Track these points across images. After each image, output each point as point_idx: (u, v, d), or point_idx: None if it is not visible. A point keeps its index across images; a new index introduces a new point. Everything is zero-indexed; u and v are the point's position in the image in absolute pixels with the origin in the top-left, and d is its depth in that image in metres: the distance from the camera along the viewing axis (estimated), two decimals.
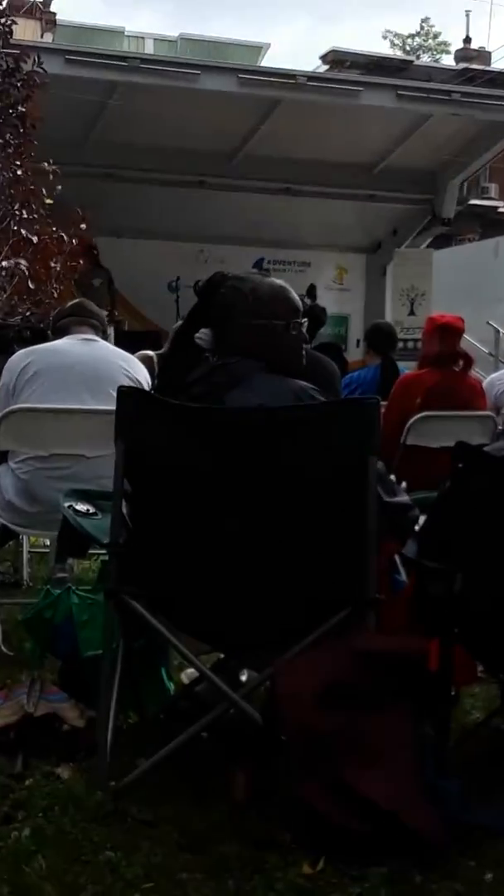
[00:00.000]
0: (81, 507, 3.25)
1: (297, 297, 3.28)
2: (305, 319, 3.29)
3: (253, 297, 3.19)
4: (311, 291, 19.01)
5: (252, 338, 3.15)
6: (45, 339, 6.17)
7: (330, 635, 2.92)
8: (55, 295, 10.23)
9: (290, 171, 15.55)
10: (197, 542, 2.90)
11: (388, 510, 2.99)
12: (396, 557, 3.21)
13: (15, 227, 10.06)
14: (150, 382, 4.49)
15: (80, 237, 10.71)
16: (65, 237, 10.14)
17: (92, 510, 3.25)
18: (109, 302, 15.42)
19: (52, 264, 10.18)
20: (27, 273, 9.91)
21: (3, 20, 10.14)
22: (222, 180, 15.62)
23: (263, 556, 2.89)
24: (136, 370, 4.39)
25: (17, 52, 10.22)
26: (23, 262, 9.73)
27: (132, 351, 5.88)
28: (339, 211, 16.91)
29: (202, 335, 3.19)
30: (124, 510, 3.01)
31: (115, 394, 4.11)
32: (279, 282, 3.27)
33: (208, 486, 2.89)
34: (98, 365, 4.30)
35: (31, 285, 10.12)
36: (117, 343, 11.22)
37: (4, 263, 10.00)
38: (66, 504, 3.25)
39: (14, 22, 10.27)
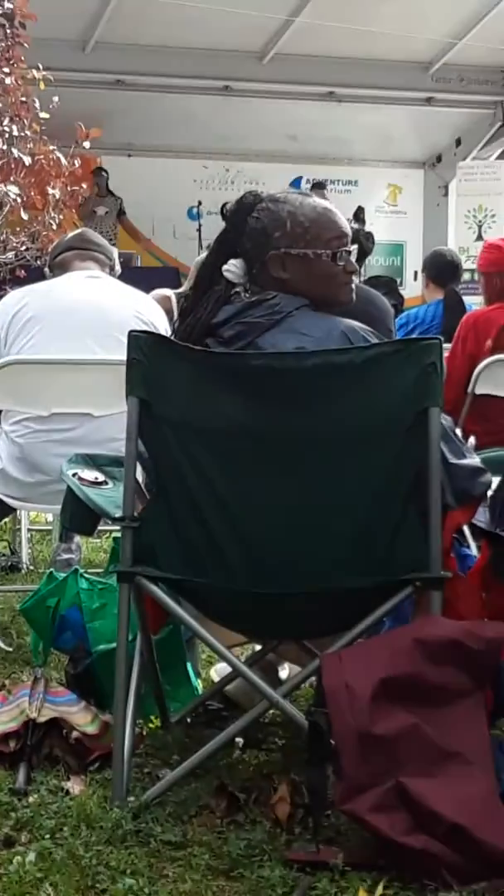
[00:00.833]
0: (88, 475, 3.26)
1: (343, 221, 3.26)
2: (354, 246, 3.26)
3: (291, 222, 3.16)
4: (359, 215, 19.01)
5: (291, 269, 3.14)
6: (43, 279, 6.18)
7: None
8: (53, 226, 10.22)
9: (332, 72, 15.50)
10: (227, 513, 2.89)
11: (454, 474, 2.97)
12: (465, 528, 3.20)
13: (4, 147, 10.05)
14: (167, 328, 4.48)
15: (83, 157, 10.68)
16: (62, 158, 10.12)
17: (101, 478, 3.26)
18: (116, 235, 15.48)
19: (50, 189, 10.17)
20: (20, 201, 9.90)
21: None
22: (251, 84, 15.61)
23: (306, 527, 2.89)
24: (150, 312, 4.39)
25: None
26: (13, 188, 9.73)
27: (146, 291, 5.87)
28: (391, 118, 16.86)
29: (232, 267, 3.17)
30: (139, 477, 3.02)
31: (124, 340, 4.17)
32: (323, 202, 3.25)
33: (240, 446, 2.88)
34: (105, 307, 4.30)
35: (24, 215, 10.12)
36: (127, 282, 11.17)
37: None
38: (71, 472, 3.26)
39: None
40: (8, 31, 9.96)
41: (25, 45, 10.07)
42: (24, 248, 10.29)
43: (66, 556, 4.68)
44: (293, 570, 2.90)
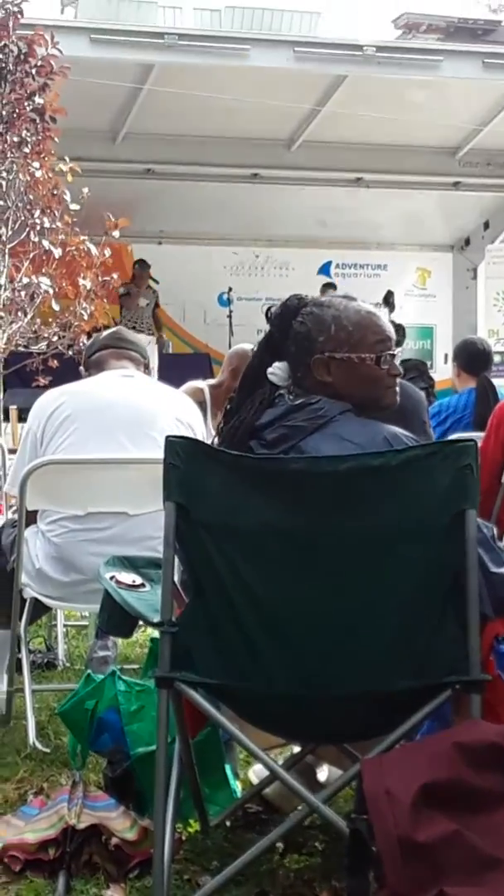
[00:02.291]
0: (126, 577, 3.27)
1: (387, 324, 3.30)
2: (399, 349, 3.30)
3: (336, 326, 3.20)
4: (389, 299, 19.29)
5: (336, 373, 3.17)
6: (75, 370, 6.20)
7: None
8: (85, 316, 10.33)
9: (360, 158, 15.69)
10: (265, 616, 2.89)
11: (494, 583, 2.97)
12: None
13: (35, 239, 10.20)
14: (203, 427, 4.51)
15: (113, 246, 10.80)
16: (93, 248, 10.25)
17: (138, 581, 3.27)
18: (156, 325, 15.65)
19: (81, 280, 10.29)
20: (52, 292, 10.02)
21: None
22: (280, 172, 15.81)
23: (344, 630, 2.88)
24: (185, 410, 4.42)
25: (31, 33, 10.36)
26: (45, 279, 9.85)
27: (177, 377, 5.91)
28: (420, 202, 17.01)
29: (276, 370, 3.20)
30: (176, 580, 3.03)
31: (160, 439, 4.19)
32: (366, 306, 3.29)
33: (277, 550, 2.89)
34: (140, 406, 4.33)
35: (55, 306, 10.24)
36: (160, 368, 11.36)
37: (25, 280, 10.13)
38: (108, 575, 3.27)
39: None
40: (39, 125, 10.14)
41: (56, 139, 10.25)
42: (55, 338, 10.40)
43: (102, 653, 4.67)
44: (331, 673, 2.89)
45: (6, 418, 11.69)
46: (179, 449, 2.93)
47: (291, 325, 3.22)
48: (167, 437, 2.93)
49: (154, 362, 15.53)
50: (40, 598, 4.26)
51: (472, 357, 6.95)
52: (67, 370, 10.13)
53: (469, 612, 2.85)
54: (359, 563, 2.88)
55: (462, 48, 15.43)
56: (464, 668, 2.85)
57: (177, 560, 2.99)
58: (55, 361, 10.53)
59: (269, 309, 3.31)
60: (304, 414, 3.09)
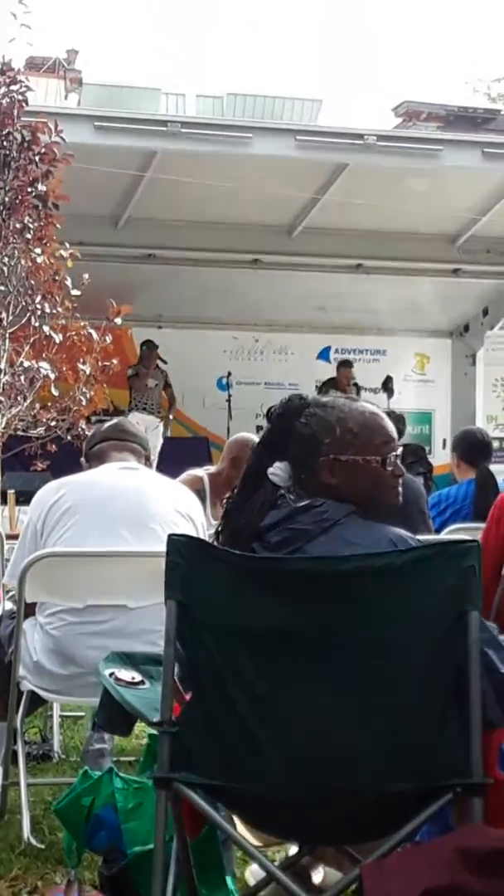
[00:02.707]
0: (125, 674, 3.25)
1: (391, 425, 3.30)
2: (400, 449, 3.30)
3: (341, 428, 3.20)
4: (387, 384, 19.30)
5: (340, 475, 3.17)
6: (73, 454, 6.18)
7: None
8: (84, 401, 10.36)
9: (360, 245, 15.82)
10: (266, 716, 2.88)
11: (498, 685, 2.96)
12: None
13: (36, 324, 10.26)
14: (203, 519, 4.51)
15: (114, 330, 10.85)
16: (94, 334, 10.30)
17: (138, 678, 3.25)
18: (167, 405, 15.73)
19: (80, 365, 10.33)
20: (51, 377, 10.06)
21: (14, 86, 10.40)
22: (280, 258, 15.94)
23: (345, 731, 2.87)
24: (185, 502, 4.43)
25: (34, 120, 10.48)
26: (45, 364, 9.89)
27: (176, 461, 5.91)
28: (419, 289, 17.12)
29: (278, 471, 3.19)
30: (176, 676, 3.01)
31: (160, 531, 4.21)
32: (370, 407, 3.29)
33: (279, 649, 2.88)
34: (141, 498, 4.34)
35: (55, 391, 10.28)
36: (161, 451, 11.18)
37: (26, 364, 10.17)
38: (108, 671, 3.25)
39: (28, 88, 10.52)
40: (41, 212, 10.24)
41: (58, 225, 10.34)
42: (54, 422, 10.42)
43: (98, 745, 4.64)
44: (332, 774, 2.87)
45: (3, 501, 11.69)
46: (182, 547, 2.93)
47: (294, 426, 3.22)
48: (170, 535, 2.93)
49: (159, 443, 15.59)
50: (38, 691, 4.24)
51: (471, 447, 6.95)
52: (66, 455, 10.17)
53: (471, 714, 2.83)
54: (360, 664, 2.86)
55: (462, 137, 15.63)
56: (466, 771, 2.83)
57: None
58: (53, 446, 10.55)
59: (269, 409, 3.31)
60: (309, 517, 3.09)
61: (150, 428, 15.48)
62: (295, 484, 3.19)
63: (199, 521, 4.43)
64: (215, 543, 3.13)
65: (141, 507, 4.31)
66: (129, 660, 3.38)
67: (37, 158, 10.26)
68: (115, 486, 4.36)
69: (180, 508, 4.37)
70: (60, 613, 4.18)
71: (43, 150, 10.31)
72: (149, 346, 15.76)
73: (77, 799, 3.59)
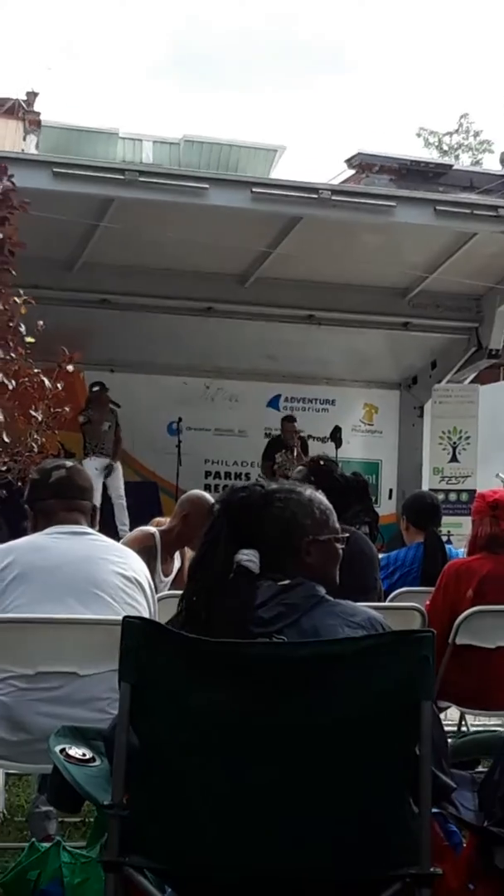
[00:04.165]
0: (76, 751, 3.21)
1: None
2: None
3: (317, 509, 3.33)
4: (336, 434, 19.29)
5: (315, 554, 3.28)
6: (21, 499, 6.04)
7: None
8: (35, 448, 10.29)
9: (312, 296, 15.87)
10: (216, 801, 2.86)
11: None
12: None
13: None
14: (149, 577, 4.49)
15: (66, 378, 10.78)
16: (46, 381, 10.23)
17: (88, 755, 3.22)
18: (115, 448, 15.70)
19: (32, 412, 10.26)
20: (1, 424, 9.99)
21: None
22: (233, 307, 15.96)
23: (294, 819, 2.85)
24: (132, 567, 4.40)
25: None
26: None
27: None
28: (369, 341, 17.21)
29: (253, 557, 3.20)
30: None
31: (108, 598, 4.20)
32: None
33: (232, 734, 2.87)
34: (89, 565, 4.29)
35: (6, 438, 10.20)
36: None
37: None
38: (58, 748, 3.22)
39: None
40: None
41: (13, 272, 10.29)
42: (5, 468, 10.35)
43: (44, 808, 4.57)
44: (280, 861, 2.86)
45: None
46: (137, 630, 2.92)
47: (267, 513, 3.27)
48: (125, 618, 2.93)
49: (121, 484, 15.53)
50: None
51: (420, 512, 6.98)
52: (16, 501, 10.10)
53: (421, 803, 2.83)
54: (312, 751, 2.86)
55: (415, 195, 15.72)
56: (415, 860, 2.82)
57: None
58: (4, 491, 10.48)
59: (221, 504, 3.31)
60: (301, 591, 3.14)
61: (108, 472, 15.43)
62: (268, 568, 3.19)
63: (146, 583, 4.42)
64: (173, 628, 3.10)
65: (88, 575, 4.27)
66: (80, 735, 3.35)
67: None
68: (63, 553, 4.31)
69: (127, 573, 4.34)
70: (10, 680, 4.13)
71: (0, 197, 10.26)
72: (101, 387, 15.67)
73: (23, 873, 3.55)
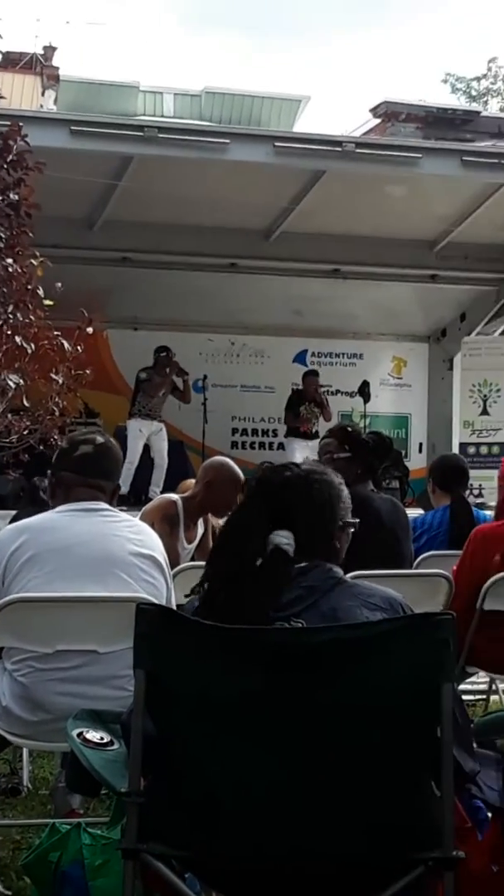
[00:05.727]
0: (93, 735, 3.21)
1: None
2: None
3: (343, 495, 3.33)
4: (364, 389, 19.19)
5: (341, 540, 3.31)
6: (45, 464, 5.95)
7: None
8: (56, 412, 10.27)
9: (337, 250, 15.77)
10: (236, 786, 2.86)
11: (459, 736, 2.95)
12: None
13: (9, 333, 10.16)
14: (164, 554, 4.46)
15: (87, 340, 10.73)
16: (66, 344, 10.19)
17: (106, 739, 3.21)
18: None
19: (53, 376, 10.23)
20: (22, 387, 9.96)
21: None
22: (257, 262, 15.86)
23: (316, 804, 2.84)
24: (147, 543, 4.37)
25: (7, 126, 10.32)
26: (13, 377, 9.79)
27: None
28: (397, 294, 17.11)
29: (289, 539, 3.17)
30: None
31: (123, 576, 4.18)
32: None
33: (250, 719, 2.85)
34: (102, 543, 4.27)
35: (26, 402, 10.18)
36: None
37: None
38: (76, 731, 3.21)
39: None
40: (13, 220, 10.13)
41: (30, 234, 10.24)
42: (26, 431, 10.34)
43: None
44: (301, 845, 2.85)
45: None
46: (150, 617, 2.91)
47: (306, 493, 3.24)
48: (138, 605, 2.90)
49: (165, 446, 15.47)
50: (6, 736, 4.20)
51: (446, 474, 6.94)
52: (38, 464, 10.11)
53: (444, 786, 2.82)
54: (333, 736, 2.84)
55: (441, 146, 15.60)
56: (437, 844, 2.81)
57: None
58: (26, 455, 10.49)
59: (264, 481, 3.26)
60: (318, 573, 3.14)
61: (154, 432, 15.35)
62: (301, 551, 3.15)
63: (162, 560, 4.38)
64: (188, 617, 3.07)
65: (103, 554, 4.24)
66: (98, 718, 3.35)
67: (7, 167, 10.12)
68: (77, 532, 4.28)
69: (143, 550, 4.31)
70: (28, 661, 4.13)
71: (14, 158, 10.18)
72: (166, 352, 15.33)
73: (44, 854, 3.55)
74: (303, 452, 14.56)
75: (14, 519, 11.23)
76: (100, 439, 4.64)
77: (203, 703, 2.87)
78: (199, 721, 2.87)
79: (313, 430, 15.52)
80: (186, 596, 3.31)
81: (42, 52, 26.44)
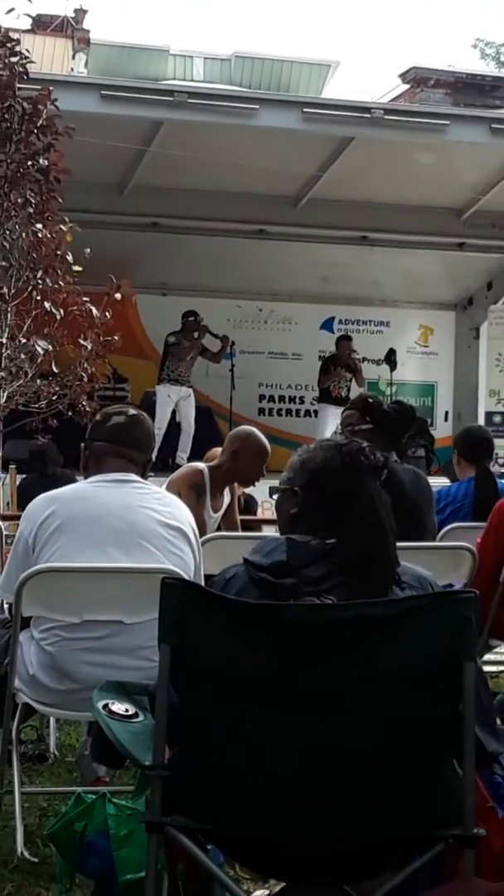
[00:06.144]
0: (119, 707, 3.22)
1: None
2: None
3: None
4: (391, 357, 19.15)
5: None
6: (74, 430, 5.91)
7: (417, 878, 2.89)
8: (85, 378, 10.29)
9: (365, 217, 15.71)
10: (259, 761, 2.87)
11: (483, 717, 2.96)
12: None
13: (38, 298, 10.16)
14: (193, 526, 4.47)
15: (115, 307, 10.72)
16: (94, 310, 10.19)
17: (131, 711, 3.22)
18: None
19: (82, 342, 10.24)
20: (51, 353, 9.98)
21: (14, 58, 10.21)
22: (285, 228, 15.83)
23: (338, 779, 2.86)
24: (175, 515, 4.39)
25: (37, 91, 10.28)
26: (42, 342, 9.80)
27: None
28: (424, 261, 17.05)
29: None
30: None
31: (151, 548, 4.20)
32: None
33: (274, 695, 2.86)
34: (130, 514, 4.29)
35: (55, 368, 10.20)
36: None
37: (24, 341, 10.10)
38: (101, 703, 3.23)
39: (29, 60, 10.34)
40: (43, 185, 10.12)
41: (60, 199, 10.22)
42: (55, 397, 10.37)
43: None
44: (323, 820, 2.87)
45: (5, 469, 11.69)
46: (175, 592, 2.91)
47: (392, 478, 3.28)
48: (163, 579, 2.91)
49: (192, 411, 15.50)
50: (34, 704, 4.24)
51: (471, 445, 6.92)
52: (66, 430, 10.14)
53: (465, 764, 2.83)
54: (355, 713, 2.85)
55: (470, 112, 15.51)
56: (457, 821, 2.82)
57: None
58: (55, 420, 10.51)
59: (371, 465, 3.23)
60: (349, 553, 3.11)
61: (182, 398, 15.37)
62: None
63: (190, 532, 4.41)
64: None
65: (131, 525, 4.26)
66: (123, 690, 3.37)
67: (37, 132, 10.09)
68: (105, 503, 4.30)
69: (170, 521, 4.34)
70: (55, 630, 4.16)
71: (44, 123, 10.15)
72: (194, 316, 15.38)
73: (69, 824, 3.57)
74: (335, 420, 14.54)
75: (23, 483, 11.34)
76: (132, 411, 4.71)
77: (227, 678, 2.88)
78: (223, 696, 2.88)
79: (344, 395, 15.50)
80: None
81: (73, 14, 26.36)
